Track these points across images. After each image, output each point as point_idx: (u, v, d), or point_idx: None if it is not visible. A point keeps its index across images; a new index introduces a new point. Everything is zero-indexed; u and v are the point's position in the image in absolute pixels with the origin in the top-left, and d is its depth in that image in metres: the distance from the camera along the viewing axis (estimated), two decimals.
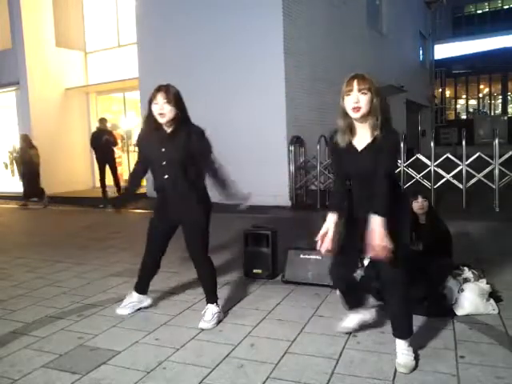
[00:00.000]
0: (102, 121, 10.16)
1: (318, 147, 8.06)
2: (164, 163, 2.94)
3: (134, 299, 3.35)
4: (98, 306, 3.53)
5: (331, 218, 2.46)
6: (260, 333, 2.96)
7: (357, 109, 2.23)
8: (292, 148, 8.40)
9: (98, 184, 11.89)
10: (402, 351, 2.46)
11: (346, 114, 2.30)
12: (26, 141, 10.00)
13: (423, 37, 20.39)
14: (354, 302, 2.78)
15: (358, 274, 3.80)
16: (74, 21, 12.17)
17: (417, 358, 2.48)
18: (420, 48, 20.19)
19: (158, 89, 2.85)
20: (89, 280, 4.27)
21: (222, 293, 3.78)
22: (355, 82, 2.24)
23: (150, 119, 2.91)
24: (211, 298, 3.15)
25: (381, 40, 14.06)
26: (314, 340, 2.82)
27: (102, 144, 9.82)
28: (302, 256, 3.91)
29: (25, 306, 3.58)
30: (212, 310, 3.10)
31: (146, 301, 3.41)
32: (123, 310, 3.32)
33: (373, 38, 13.26)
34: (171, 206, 3.04)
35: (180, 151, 2.90)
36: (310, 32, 9.40)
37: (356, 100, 2.22)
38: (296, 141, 8.52)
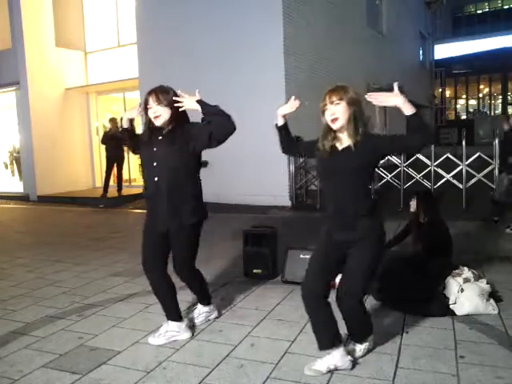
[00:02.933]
0: (113, 120, 10.17)
1: None
2: (155, 164, 2.75)
3: (170, 328, 2.91)
4: (98, 306, 3.53)
5: None
6: (260, 333, 2.96)
7: (334, 120, 2.28)
8: None
9: (98, 184, 11.91)
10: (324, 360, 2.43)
11: (329, 129, 2.35)
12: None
13: (423, 37, 20.40)
14: (324, 334, 2.44)
15: None
16: (74, 21, 12.16)
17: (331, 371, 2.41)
18: (420, 48, 20.20)
19: (149, 92, 2.75)
20: (89, 280, 4.27)
21: (222, 293, 3.78)
22: (327, 96, 2.31)
23: (147, 124, 2.81)
24: (203, 300, 3.16)
25: (381, 40, 14.06)
26: (314, 340, 2.81)
27: (115, 143, 9.79)
28: (301, 256, 3.90)
29: (25, 306, 3.58)
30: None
31: (186, 332, 2.94)
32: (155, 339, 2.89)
33: (373, 38, 13.26)
34: (160, 214, 2.78)
35: (174, 153, 2.71)
36: (310, 32, 9.40)
37: (332, 112, 2.28)
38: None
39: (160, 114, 2.71)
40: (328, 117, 2.30)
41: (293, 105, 2.59)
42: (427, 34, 20.90)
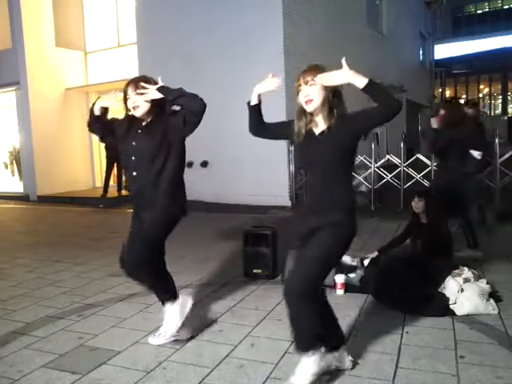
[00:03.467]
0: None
1: None
2: (133, 158, 2.66)
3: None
4: (98, 306, 3.53)
5: None
6: (260, 333, 2.96)
7: (308, 101, 2.16)
8: (292, 148, 8.40)
9: (98, 184, 11.91)
10: (300, 369, 2.22)
11: (303, 110, 2.22)
12: None
13: (423, 37, 20.39)
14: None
15: (358, 274, 3.82)
16: (74, 21, 12.16)
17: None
18: (420, 48, 20.19)
19: (129, 82, 2.66)
20: (89, 280, 4.27)
21: (222, 293, 3.78)
22: (302, 76, 2.19)
23: (128, 116, 2.71)
24: (166, 298, 2.85)
25: (381, 40, 14.06)
26: None
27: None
28: None
29: (25, 306, 3.58)
30: (169, 310, 2.82)
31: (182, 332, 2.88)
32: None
33: (373, 38, 13.26)
34: (139, 211, 2.73)
35: (152, 145, 2.61)
36: (310, 32, 9.40)
37: (306, 93, 2.16)
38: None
39: (139, 105, 2.61)
40: (302, 98, 2.18)
41: (272, 82, 2.34)
42: (427, 33, 20.89)
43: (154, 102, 2.61)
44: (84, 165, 12.18)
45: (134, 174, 2.66)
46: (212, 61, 9.00)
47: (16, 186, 12.23)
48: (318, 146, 2.19)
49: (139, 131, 2.67)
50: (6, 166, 12.91)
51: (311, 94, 2.15)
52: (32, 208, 10.27)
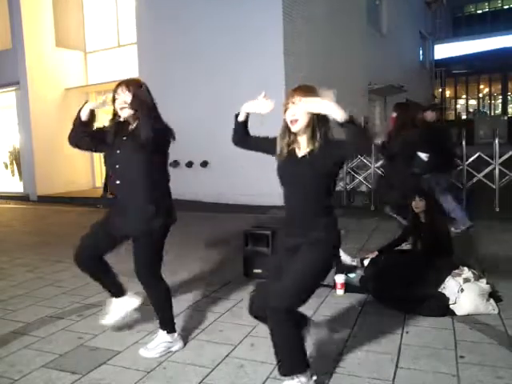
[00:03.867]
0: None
1: None
2: (117, 167, 2.59)
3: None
4: (98, 306, 3.52)
5: None
6: (260, 333, 2.96)
7: (293, 121, 2.12)
8: None
9: (98, 184, 11.91)
10: None
11: (287, 129, 2.17)
12: None
13: (423, 37, 20.40)
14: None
15: (358, 274, 3.82)
16: (74, 21, 12.16)
17: None
18: (420, 48, 20.21)
19: (119, 83, 2.58)
20: (89, 280, 4.23)
21: (222, 293, 3.78)
22: (290, 95, 2.15)
23: (114, 123, 2.62)
24: (163, 324, 2.74)
25: (381, 40, 14.06)
26: (314, 340, 2.81)
27: None
28: None
29: (25, 306, 3.58)
30: (161, 337, 2.71)
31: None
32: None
33: (373, 38, 13.26)
34: (118, 219, 2.66)
35: (136, 153, 2.52)
36: (309, 32, 9.40)
37: (292, 113, 2.12)
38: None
39: (125, 107, 2.53)
40: (288, 117, 2.13)
41: (264, 105, 2.24)
42: (427, 33, 20.90)
43: (137, 106, 2.52)
44: (84, 165, 12.17)
45: (118, 182, 2.62)
46: (212, 61, 9.00)
47: (16, 185, 12.23)
48: (298, 167, 2.15)
49: (124, 138, 2.59)
50: (6, 166, 12.91)
51: (297, 114, 2.10)
52: (32, 208, 10.27)
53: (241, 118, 2.38)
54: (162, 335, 2.71)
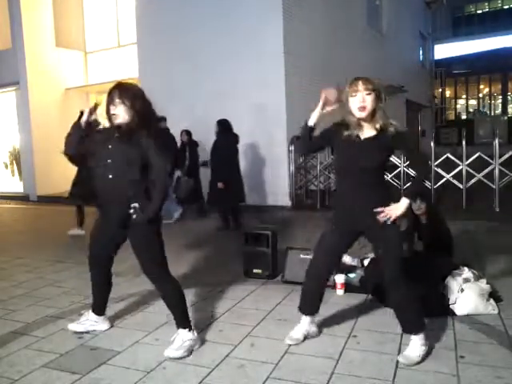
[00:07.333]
0: None
1: None
2: (109, 161, 2.58)
3: (90, 318, 3.02)
4: None
5: None
6: (260, 333, 2.96)
7: (363, 108, 2.33)
8: (292, 148, 8.40)
9: None
10: (411, 345, 2.53)
11: (352, 115, 2.39)
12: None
13: (423, 37, 20.39)
14: (312, 306, 2.77)
15: (358, 274, 3.82)
16: (74, 21, 12.17)
17: (423, 357, 2.50)
18: (420, 48, 20.18)
19: (114, 86, 2.59)
20: (89, 280, 4.25)
21: (222, 293, 3.78)
22: (360, 83, 2.35)
23: (105, 128, 2.66)
24: (180, 322, 2.75)
25: (381, 40, 14.05)
26: (314, 340, 2.81)
27: None
28: (301, 256, 3.90)
29: (25, 306, 3.58)
30: (182, 336, 2.70)
31: (103, 323, 3.05)
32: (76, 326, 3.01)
33: (373, 38, 13.26)
34: (112, 217, 2.65)
35: (132, 151, 2.56)
36: (310, 32, 9.40)
37: (362, 100, 2.33)
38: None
39: (119, 113, 2.57)
40: (357, 103, 2.34)
41: (330, 94, 2.54)
42: (427, 33, 20.88)
43: (135, 117, 2.56)
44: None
45: (110, 176, 2.59)
46: (212, 61, 9.00)
47: (16, 185, 12.23)
48: (363, 150, 2.39)
49: (116, 135, 2.61)
50: (6, 166, 12.91)
51: (367, 102, 2.33)
52: (32, 208, 10.27)
53: (311, 122, 2.57)
54: (184, 333, 2.70)
